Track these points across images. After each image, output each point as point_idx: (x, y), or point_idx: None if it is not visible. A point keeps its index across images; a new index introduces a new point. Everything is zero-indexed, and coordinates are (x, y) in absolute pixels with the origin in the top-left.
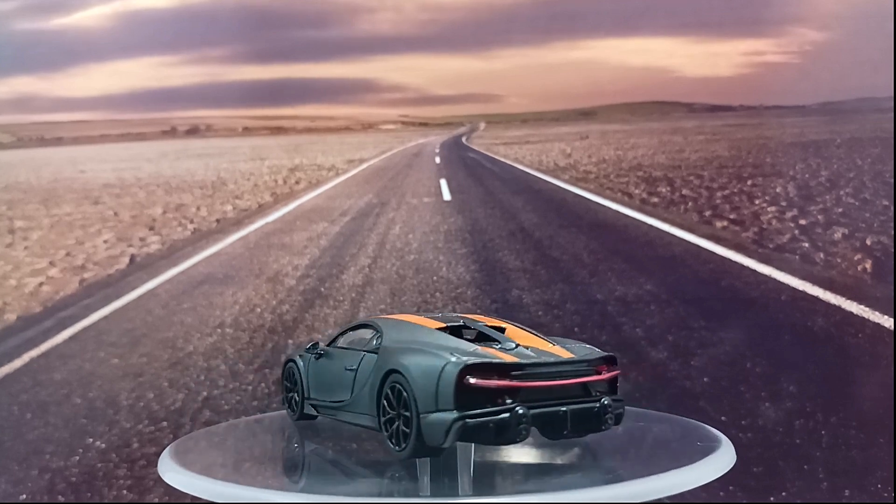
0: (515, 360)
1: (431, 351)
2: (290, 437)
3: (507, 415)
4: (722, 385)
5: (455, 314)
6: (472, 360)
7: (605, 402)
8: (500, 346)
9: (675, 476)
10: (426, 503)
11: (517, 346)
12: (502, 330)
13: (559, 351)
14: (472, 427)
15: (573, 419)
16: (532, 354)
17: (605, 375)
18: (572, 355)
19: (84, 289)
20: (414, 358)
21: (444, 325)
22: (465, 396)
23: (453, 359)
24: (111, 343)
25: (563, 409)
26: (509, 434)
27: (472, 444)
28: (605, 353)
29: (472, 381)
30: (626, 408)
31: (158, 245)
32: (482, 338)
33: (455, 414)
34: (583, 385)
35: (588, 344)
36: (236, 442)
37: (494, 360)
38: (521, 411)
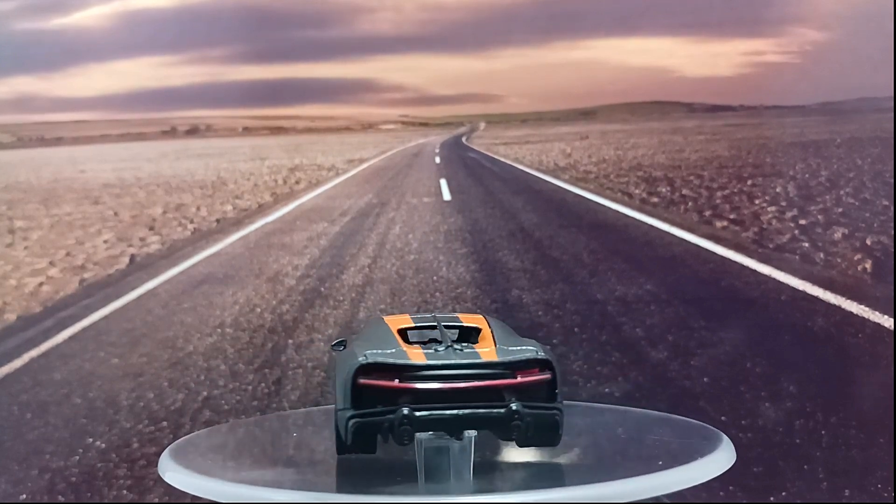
0: (412, 361)
1: (355, 350)
2: (291, 437)
3: (391, 416)
4: (722, 385)
5: (440, 314)
6: (366, 360)
7: (513, 408)
8: (433, 346)
9: (675, 474)
10: (426, 502)
11: (448, 347)
12: (479, 330)
13: (488, 354)
14: (364, 426)
15: (473, 424)
16: (443, 355)
17: (520, 380)
18: (495, 359)
19: (84, 289)
20: (342, 357)
21: (410, 324)
22: (361, 396)
23: (360, 359)
24: (111, 343)
25: (460, 413)
26: (395, 435)
27: (472, 443)
28: (531, 357)
29: (362, 381)
30: (627, 408)
31: (158, 245)
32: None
33: (350, 412)
34: (503, 388)
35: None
36: (237, 442)
37: (388, 361)
38: (405, 412)
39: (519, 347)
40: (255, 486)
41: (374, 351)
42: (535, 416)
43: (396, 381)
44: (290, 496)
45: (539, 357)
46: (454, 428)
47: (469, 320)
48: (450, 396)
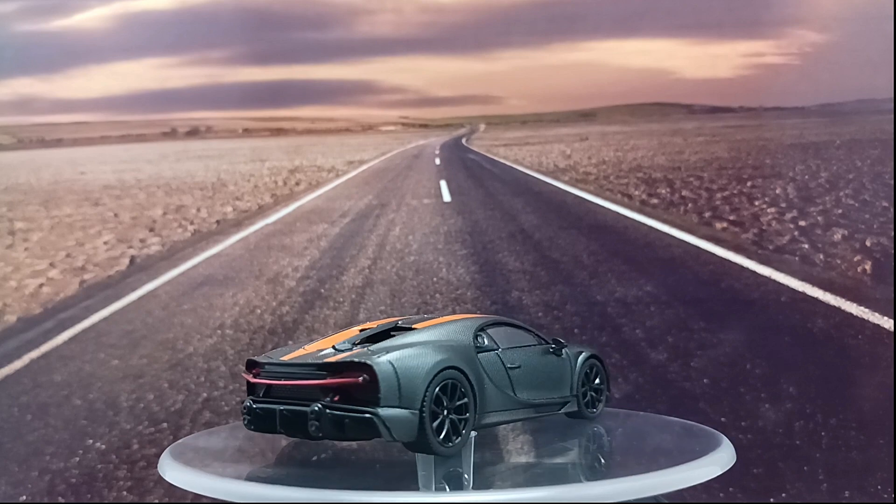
0: (270, 359)
1: None
2: (289, 437)
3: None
4: (722, 386)
5: (414, 316)
6: (251, 357)
7: (315, 408)
8: (335, 346)
9: (675, 473)
10: (426, 501)
11: (333, 347)
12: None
13: (332, 356)
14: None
15: (283, 419)
16: (296, 355)
17: (328, 381)
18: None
19: (84, 290)
20: None
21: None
22: (249, 387)
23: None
24: (111, 344)
25: (282, 408)
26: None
27: (472, 443)
28: (349, 361)
29: (243, 373)
30: (628, 411)
31: (158, 246)
32: (378, 337)
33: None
34: (317, 388)
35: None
36: (237, 442)
37: (254, 358)
38: (246, 404)
39: (356, 352)
40: (254, 483)
41: (278, 348)
42: (335, 417)
43: (251, 375)
44: (291, 493)
45: (357, 362)
46: (284, 423)
47: (424, 325)
48: (292, 392)
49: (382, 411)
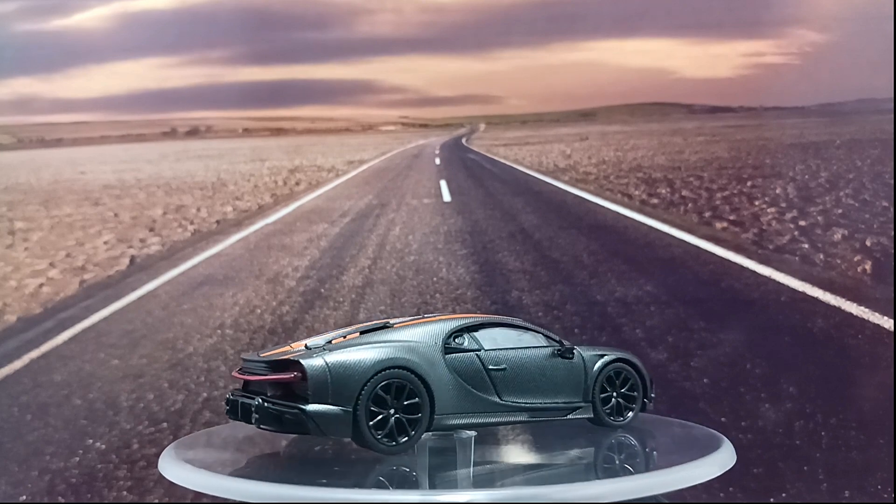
0: (248, 357)
1: None
2: (289, 437)
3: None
4: (722, 386)
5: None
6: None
7: (256, 402)
8: (307, 345)
9: (675, 473)
10: (426, 500)
11: (305, 346)
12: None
13: (291, 355)
14: None
15: (242, 410)
16: (272, 353)
17: (265, 377)
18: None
19: (84, 290)
20: None
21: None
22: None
23: None
24: (111, 344)
25: (241, 400)
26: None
27: (472, 443)
28: (286, 359)
29: (234, 373)
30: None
31: (158, 246)
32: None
33: None
34: (265, 384)
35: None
36: (237, 440)
37: (242, 356)
38: (227, 397)
39: (297, 352)
40: (254, 481)
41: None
42: (271, 411)
43: (235, 372)
44: (291, 492)
45: (292, 360)
46: (243, 414)
47: (401, 325)
48: (254, 386)
49: (310, 407)
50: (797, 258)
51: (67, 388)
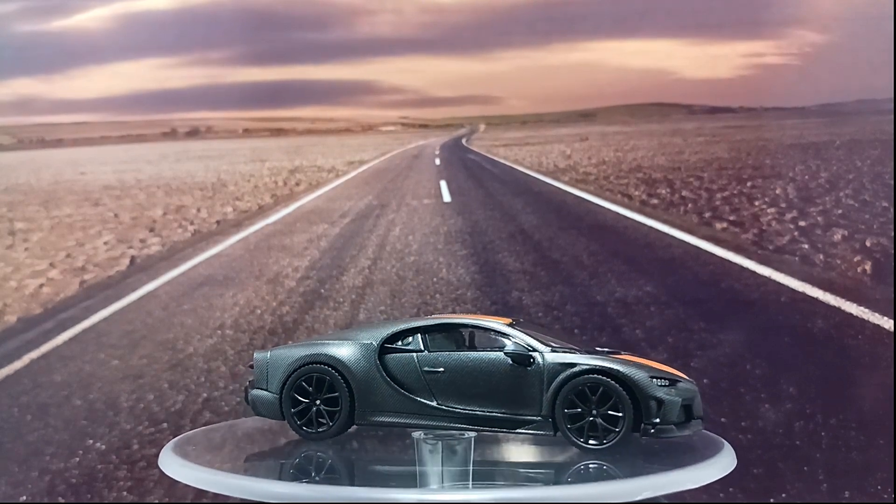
0: None
1: None
2: (289, 436)
3: None
4: (722, 387)
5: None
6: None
7: (245, 386)
8: None
9: (675, 476)
10: (426, 500)
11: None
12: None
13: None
14: None
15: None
16: None
17: (248, 367)
18: None
19: (84, 290)
20: None
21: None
22: None
23: None
24: (111, 345)
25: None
26: None
27: (472, 443)
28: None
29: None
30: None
31: (159, 247)
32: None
33: None
34: None
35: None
36: (237, 438)
37: None
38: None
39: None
40: (255, 479)
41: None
42: (245, 393)
43: None
44: (291, 490)
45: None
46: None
47: (364, 323)
48: None
49: (252, 392)
50: (797, 259)
51: (67, 389)
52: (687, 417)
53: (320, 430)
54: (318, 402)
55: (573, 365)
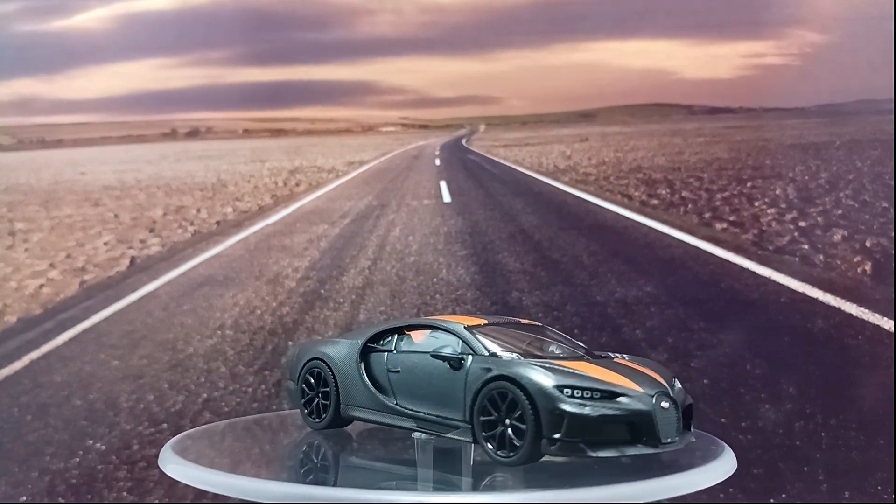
0: None
1: None
2: (288, 435)
3: None
4: (721, 387)
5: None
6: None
7: None
8: None
9: (676, 479)
10: (426, 501)
11: None
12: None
13: None
14: None
15: None
16: None
17: None
18: None
19: (84, 291)
20: None
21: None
22: None
23: None
24: (111, 345)
25: None
26: None
27: (472, 444)
28: None
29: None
30: None
31: (159, 247)
32: None
33: None
34: None
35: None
36: (237, 438)
37: None
38: None
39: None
40: (254, 478)
41: None
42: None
43: None
44: (292, 490)
45: None
46: None
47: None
48: None
49: (286, 383)
50: (797, 259)
51: (67, 389)
52: (635, 438)
53: (319, 421)
54: (319, 394)
55: (489, 370)
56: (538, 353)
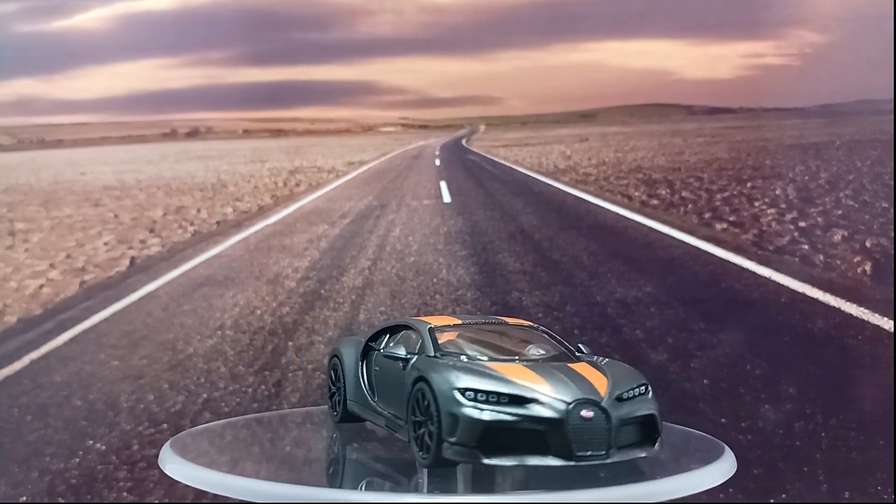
0: None
1: None
2: (288, 434)
3: None
4: (721, 387)
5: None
6: None
7: None
8: None
9: (675, 481)
10: (425, 501)
11: None
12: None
13: None
14: None
15: None
16: None
17: None
18: None
19: (84, 291)
20: None
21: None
22: None
23: None
24: (111, 345)
25: None
26: None
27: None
28: None
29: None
30: None
31: (159, 247)
32: None
33: None
34: None
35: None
36: (237, 438)
37: None
38: None
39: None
40: (254, 479)
41: None
42: None
43: None
44: (292, 491)
45: None
46: None
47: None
48: None
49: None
50: (797, 259)
51: (67, 389)
52: (545, 447)
53: (335, 414)
54: (337, 389)
55: (418, 370)
56: (501, 357)
